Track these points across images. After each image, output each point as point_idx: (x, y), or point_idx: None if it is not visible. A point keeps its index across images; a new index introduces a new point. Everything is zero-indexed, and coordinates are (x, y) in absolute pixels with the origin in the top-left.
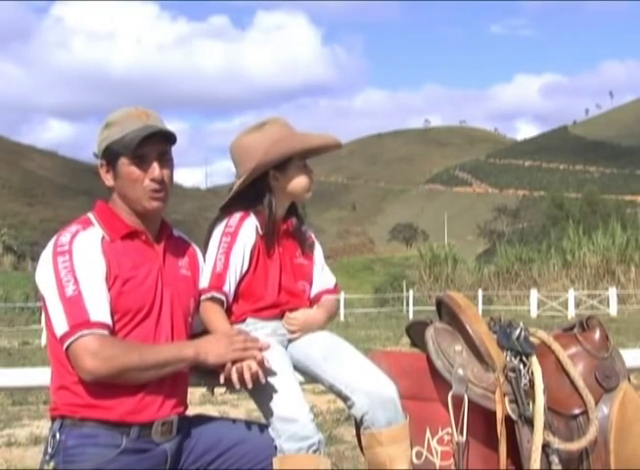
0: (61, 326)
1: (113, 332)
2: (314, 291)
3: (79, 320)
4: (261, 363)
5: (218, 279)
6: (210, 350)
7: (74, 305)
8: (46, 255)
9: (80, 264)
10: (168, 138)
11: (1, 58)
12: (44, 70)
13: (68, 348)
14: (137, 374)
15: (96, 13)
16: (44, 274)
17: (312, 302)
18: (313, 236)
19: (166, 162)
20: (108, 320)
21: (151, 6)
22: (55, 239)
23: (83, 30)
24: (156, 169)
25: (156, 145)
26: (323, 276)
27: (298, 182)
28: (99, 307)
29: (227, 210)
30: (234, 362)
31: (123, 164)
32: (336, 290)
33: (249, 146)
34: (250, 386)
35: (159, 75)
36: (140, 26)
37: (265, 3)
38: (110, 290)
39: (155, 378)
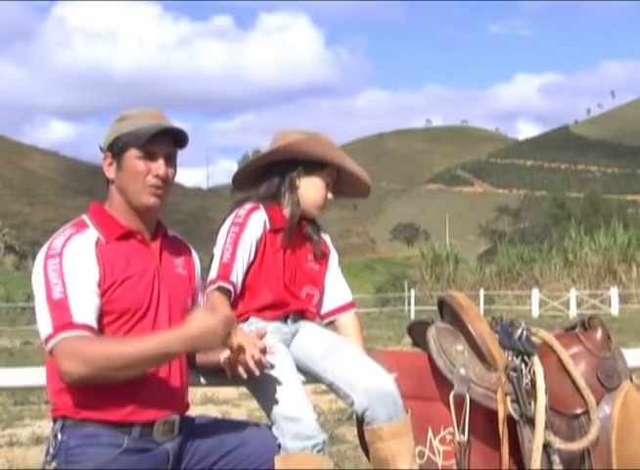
0: (45, 328)
1: (97, 334)
2: (329, 305)
3: (62, 322)
4: (263, 350)
5: (225, 269)
6: (202, 343)
7: (59, 308)
8: (39, 258)
9: (69, 267)
10: (179, 142)
11: (3, 58)
12: (46, 71)
13: (51, 350)
14: (119, 373)
15: (98, 13)
16: (35, 277)
17: (326, 316)
18: (330, 245)
19: (172, 163)
20: (91, 322)
21: (153, 6)
22: (49, 242)
23: (85, 30)
24: (162, 167)
25: (166, 145)
26: (338, 289)
27: (314, 192)
28: (83, 309)
29: (242, 201)
30: (235, 353)
31: (130, 156)
32: (353, 304)
33: (291, 134)
34: (257, 373)
35: (161, 76)
36: (142, 27)
37: (268, 4)
38: (105, 293)
39: (139, 374)
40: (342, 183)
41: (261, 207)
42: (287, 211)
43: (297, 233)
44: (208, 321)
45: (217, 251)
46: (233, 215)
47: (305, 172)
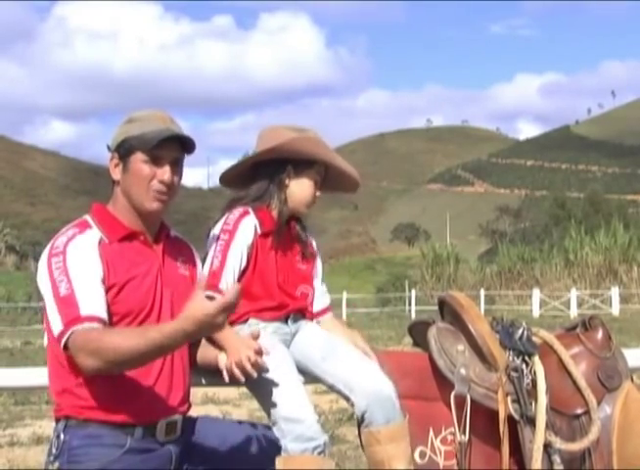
0: (56, 326)
1: (106, 324)
2: (316, 307)
3: (71, 317)
4: (259, 352)
5: (214, 277)
6: (203, 332)
7: (67, 303)
8: (42, 258)
9: (73, 263)
10: (186, 147)
11: (3, 58)
12: (46, 71)
13: (65, 347)
14: (128, 366)
15: (98, 13)
16: (40, 277)
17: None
18: (315, 247)
19: (178, 169)
20: (99, 313)
21: (153, 6)
22: (52, 242)
23: (86, 30)
24: (167, 173)
25: (173, 150)
26: (322, 292)
27: (303, 191)
28: (90, 301)
29: (233, 203)
30: (231, 358)
31: (137, 159)
32: (330, 308)
33: (280, 132)
34: (254, 376)
35: (161, 76)
36: (143, 27)
37: (268, 4)
38: (108, 292)
39: (154, 360)
40: (329, 180)
41: (251, 211)
42: (276, 212)
43: (286, 233)
44: (208, 310)
45: (207, 258)
46: (222, 221)
47: (294, 171)
